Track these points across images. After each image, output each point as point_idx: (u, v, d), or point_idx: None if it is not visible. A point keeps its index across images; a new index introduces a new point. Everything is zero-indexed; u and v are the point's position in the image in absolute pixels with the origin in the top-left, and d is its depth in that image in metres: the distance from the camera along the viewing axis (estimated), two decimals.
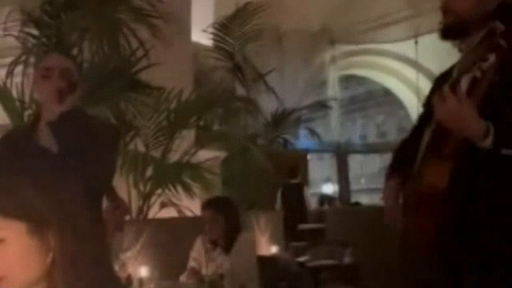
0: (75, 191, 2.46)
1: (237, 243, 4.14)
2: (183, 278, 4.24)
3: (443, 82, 2.18)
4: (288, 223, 7.02)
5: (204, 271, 4.10)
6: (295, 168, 9.03)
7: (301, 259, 6.35)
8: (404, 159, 2.32)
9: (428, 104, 2.29)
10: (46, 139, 2.55)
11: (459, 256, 2.03)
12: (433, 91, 2.31)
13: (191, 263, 4.23)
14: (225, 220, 4.15)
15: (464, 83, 2.00)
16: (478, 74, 1.88)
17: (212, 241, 4.21)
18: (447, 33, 2.15)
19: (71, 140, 2.52)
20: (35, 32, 4.55)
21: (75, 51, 4.63)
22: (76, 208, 2.41)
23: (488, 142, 1.88)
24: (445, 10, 2.13)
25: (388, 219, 2.24)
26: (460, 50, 2.18)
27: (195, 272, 4.17)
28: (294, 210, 8.35)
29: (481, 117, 1.91)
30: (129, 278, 4.07)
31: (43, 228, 2.23)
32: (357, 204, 10.32)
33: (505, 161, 1.94)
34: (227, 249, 4.12)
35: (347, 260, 6.18)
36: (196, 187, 5.20)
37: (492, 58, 1.86)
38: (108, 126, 2.87)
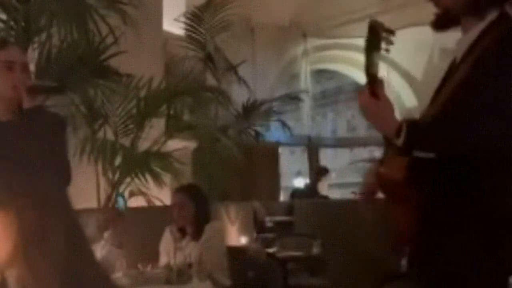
0: (42, 176, 2.44)
1: (206, 233, 4.13)
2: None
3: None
4: None
5: (172, 261, 4.08)
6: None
7: (270, 250, 6.36)
8: None
9: None
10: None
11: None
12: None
13: (163, 258, 4.20)
14: (194, 207, 4.14)
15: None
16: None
17: (180, 228, 4.19)
18: (439, 25, 2.15)
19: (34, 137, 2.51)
20: (2, 15, 4.46)
21: (43, 36, 4.57)
22: (43, 192, 2.40)
23: (399, 142, 1.89)
24: (434, 3, 2.15)
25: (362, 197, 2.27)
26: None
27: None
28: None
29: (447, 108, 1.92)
30: None
31: (7, 210, 2.19)
32: (324, 197, 10.34)
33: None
34: (195, 237, 4.11)
35: (315, 251, 6.20)
36: (165, 176, 5.18)
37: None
38: (56, 117, 2.84)
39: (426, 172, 1.98)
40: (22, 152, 2.45)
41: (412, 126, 1.89)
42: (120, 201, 3.85)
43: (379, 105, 1.94)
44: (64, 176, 2.62)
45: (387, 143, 2.09)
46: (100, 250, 3.74)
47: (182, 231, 4.21)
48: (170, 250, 4.17)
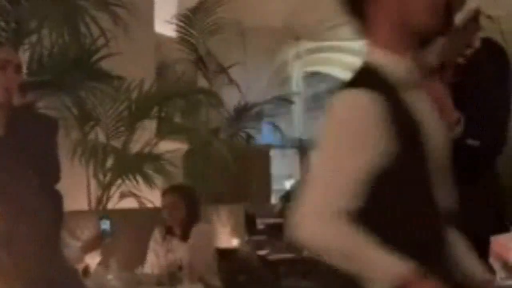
0: (18, 176, 2.43)
1: (194, 234, 4.12)
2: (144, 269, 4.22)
3: None
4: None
5: (162, 261, 4.08)
6: None
7: (261, 252, 6.36)
8: None
9: None
10: None
11: None
12: None
13: (151, 256, 4.20)
14: (185, 207, 4.14)
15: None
16: (461, 61, 1.90)
17: (168, 228, 4.18)
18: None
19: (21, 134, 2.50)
20: None
21: (34, 38, 4.56)
22: (14, 192, 2.38)
23: (458, 131, 1.91)
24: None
25: None
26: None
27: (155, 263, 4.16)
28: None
29: None
30: (86, 269, 4.02)
31: None
32: None
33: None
34: (183, 238, 4.11)
35: (306, 253, 6.20)
36: (157, 178, 5.17)
37: (476, 43, 1.87)
38: (47, 118, 2.84)
39: None
40: (4, 153, 2.44)
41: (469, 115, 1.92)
42: (105, 224, 3.85)
43: (447, 94, 1.93)
44: (52, 176, 2.61)
45: None
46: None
47: (170, 231, 4.20)
48: (159, 251, 4.18)
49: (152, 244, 4.24)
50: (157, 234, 4.25)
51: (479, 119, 1.96)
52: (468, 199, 1.99)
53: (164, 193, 4.37)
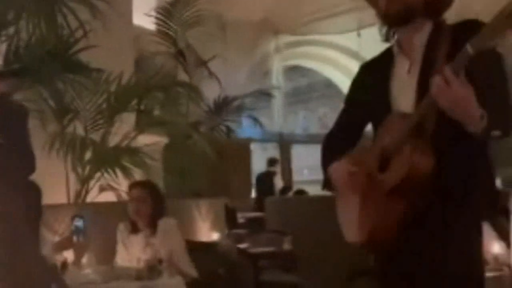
0: None
1: (161, 229, 4.15)
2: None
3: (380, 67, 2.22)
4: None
5: (140, 255, 4.07)
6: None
7: (242, 246, 6.36)
8: (345, 144, 2.33)
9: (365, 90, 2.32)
10: None
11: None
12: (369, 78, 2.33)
13: (121, 252, 4.20)
14: (152, 202, 4.17)
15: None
16: None
17: (132, 223, 4.20)
18: (395, 21, 2.16)
19: None
20: None
21: (11, 30, 4.51)
22: None
23: (482, 125, 1.85)
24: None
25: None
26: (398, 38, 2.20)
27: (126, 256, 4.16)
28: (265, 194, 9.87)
29: None
30: (65, 263, 3.99)
31: None
32: (300, 192, 10.38)
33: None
34: (149, 232, 4.13)
35: (285, 247, 6.22)
36: (135, 172, 5.15)
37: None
38: (16, 105, 2.80)
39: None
40: None
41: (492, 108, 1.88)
42: (79, 222, 3.84)
43: (470, 90, 1.86)
44: (26, 166, 2.58)
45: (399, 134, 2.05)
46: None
47: (134, 226, 4.22)
48: (127, 244, 4.19)
49: (119, 237, 4.25)
50: (122, 227, 4.26)
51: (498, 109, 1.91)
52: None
53: (131, 187, 4.38)
